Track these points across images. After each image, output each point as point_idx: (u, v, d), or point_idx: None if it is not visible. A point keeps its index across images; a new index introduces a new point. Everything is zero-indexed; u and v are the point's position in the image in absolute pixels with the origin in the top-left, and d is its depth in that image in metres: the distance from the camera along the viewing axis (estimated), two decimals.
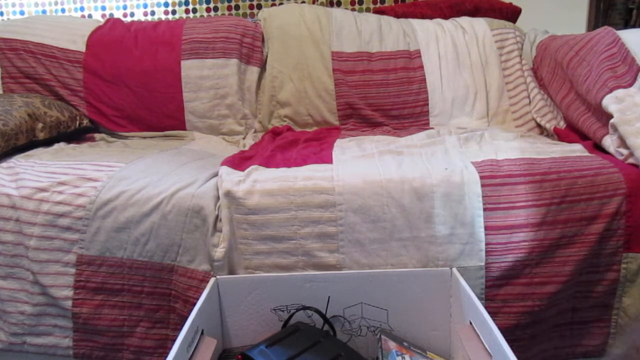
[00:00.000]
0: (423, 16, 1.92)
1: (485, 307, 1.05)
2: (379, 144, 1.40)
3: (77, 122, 1.70)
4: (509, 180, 1.08)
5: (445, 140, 1.37)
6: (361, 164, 1.19)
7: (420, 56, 1.77)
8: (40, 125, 1.51)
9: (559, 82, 1.56)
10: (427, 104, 1.73)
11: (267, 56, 1.81)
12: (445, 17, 1.91)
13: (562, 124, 1.55)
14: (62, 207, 1.15)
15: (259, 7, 2.17)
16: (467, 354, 0.84)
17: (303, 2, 2.13)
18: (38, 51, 1.78)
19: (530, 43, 1.80)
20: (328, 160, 1.23)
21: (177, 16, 2.21)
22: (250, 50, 1.79)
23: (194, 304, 0.94)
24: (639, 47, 1.24)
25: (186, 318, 0.88)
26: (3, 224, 1.17)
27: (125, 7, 2.23)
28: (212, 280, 1.03)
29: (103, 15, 2.23)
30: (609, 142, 1.20)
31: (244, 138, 1.74)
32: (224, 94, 1.75)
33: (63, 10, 2.26)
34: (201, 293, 0.96)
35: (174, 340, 0.81)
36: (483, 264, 1.06)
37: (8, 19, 2.26)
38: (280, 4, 2.14)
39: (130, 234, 1.12)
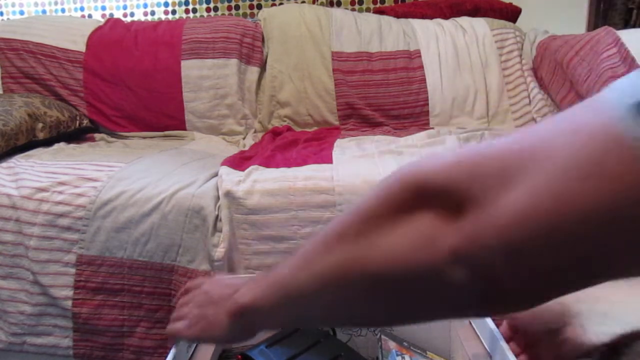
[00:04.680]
0: (423, 16, 1.92)
1: None
2: (379, 144, 1.40)
3: (77, 122, 1.70)
4: None
5: (445, 140, 1.37)
6: (361, 164, 1.19)
7: (420, 56, 1.77)
8: (40, 125, 1.51)
9: (559, 82, 1.56)
10: (427, 104, 1.73)
11: (267, 56, 1.81)
12: (445, 17, 1.91)
13: None
14: (62, 207, 1.15)
15: (259, 7, 2.17)
16: (467, 354, 0.84)
17: (303, 2, 2.13)
18: (38, 51, 1.78)
19: (530, 43, 1.80)
20: (328, 160, 1.23)
21: (177, 16, 2.21)
22: (250, 50, 1.79)
23: None
24: (639, 47, 1.24)
25: None
26: (3, 224, 1.17)
27: (125, 7, 2.23)
28: None
29: (103, 15, 2.23)
30: None
31: (244, 138, 1.74)
32: (224, 94, 1.75)
33: (63, 10, 2.25)
34: None
35: None
36: None
37: (8, 19, 2.26)
38: (280, 4, 2.14)
39: (130, 234, 1.12)
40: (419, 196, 0.33)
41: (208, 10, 2.20)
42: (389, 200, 0.34)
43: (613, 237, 0.25)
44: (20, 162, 1.30)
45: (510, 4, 1.96)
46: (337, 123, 1.75)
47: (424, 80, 1.74)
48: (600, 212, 0.25)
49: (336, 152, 1.30)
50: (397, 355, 0.81)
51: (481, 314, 0.38)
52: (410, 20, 1.88)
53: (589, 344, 0.50)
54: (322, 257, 0.38)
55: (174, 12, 2.22)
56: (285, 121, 1.77)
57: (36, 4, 2.26)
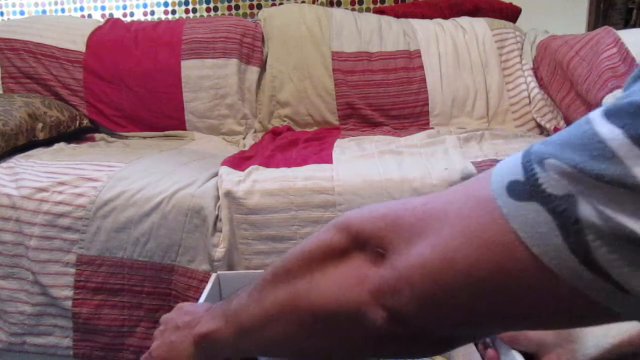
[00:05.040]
0: (423, 16, 1.92)
1: None
2: (379, 144, 1.40)
3: (77, 122, 1.70)
4: None
5: (445, 140, 1.37)
6: (361, 164, 1.19)
7: (420, 56, 1.76)
8: (40, 125, 1.51)
9: (559, 82, 1.56)
10: (427, 104, 1.73)
11: (267, 56, 1.81)
12: (445, 17, 1.91)
13: (562, 124, 1.55)
14: (62, 207, 1.15)
15: (259, 7, 2.16)
16: (467, 353, 0.84)
17: (303, 2, 2.13)
18: (38, 51, 1.78)
19: (530, 43, 1.80)
20: (328, 160, 1.23)
21: (177, 16, 2.21)
22: (250, 50, 1.79)
23: None
24: (639, 47, 1.24)
25: None
26: (3, 224, 1.17)
27: (125, 7, 2.23)
28: (213, 276, 1.02)
29: (103, 15, 2.23)
30: None
31: (244, 138, 1.74)
32: (224, 94, 1.75)
33: (63, 10, 2.25)
34: (201, 293, 0.97)
35: None
36: None
37: (8, 19, 2.26)
38: (280, 4, 2.14)
39: (130, 234, 1.12)
40: (354, 242, 0.36)
41: (208, 10, 2.20)
42: (329, 243, 0.38)
43: (487, 295, 0.30)
44: (20, 162, 1.30)
45: (510, 4, 1.96)
46: (337, 123, 1.75)
47: (424, 80, 1.74)
48: (475, 272, 0.29)
49: (336, 152, 1.30)
50: None
51: (402, 354, 0.40)
52: (410, 20, 1.88)
53: None
54: (270, 292, 0.41)
55: (174, 12, 2.22)
56: (285, 121, 1.78)
57: (36, 4, 2.26)
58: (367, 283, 0.34)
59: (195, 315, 0.53)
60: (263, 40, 1.83)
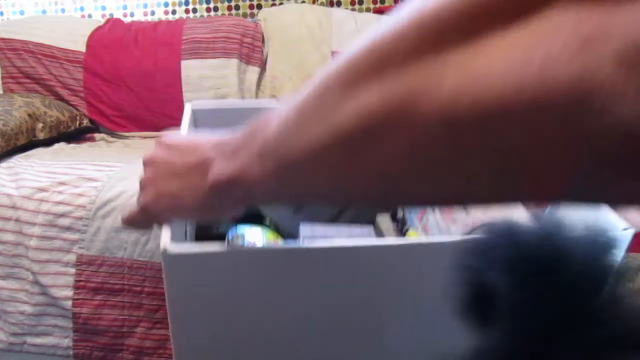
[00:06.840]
0: None
1: None
2: None
3: (77, 122, 1.70)
4: None
5: None
6: None
7: None
8: (40, 125, 1.51)
9: None
10: None
11: (267, 56, 1.81)
12: None
13: None
14: (62, 207, 1.15)
15: (259, 7, 2.16)
16: None
17: (303, 2, 2.13)
18: (38, 51, 1.78)
19: None
20: None
21: (177, 16, 2.21)
22: (251, 50, 1.79)
23: None
24: None
25: None
26: (3, 224, 1.17)
27: (125, 7, 2.23)
28: (187, 106, 0.80)
29: (103, 15, 2.23)
30: None
31: None
32: (224, 94, 1.75)
33: (63, 10, 2.25)
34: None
35: None
36: None
37: (8, 19, 2.26)
38: (281, 4, 2.13)
39: (130, 234, 1.12)
40: None
41: (208, 10, 2.20)
42: None
43: None
44: (20, 162, 1.30)
45: None
46: None
47: None
48: None
49: None
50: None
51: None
52: None
53: None
54: (348, 98, 0.23)
55: (174, 12, 2.22)
56: None
57: (36, 4, 2.26)
58: (605, 41, 0.16)
59: (198, 153, 0.38)
60: (263, 40, 1.83)
